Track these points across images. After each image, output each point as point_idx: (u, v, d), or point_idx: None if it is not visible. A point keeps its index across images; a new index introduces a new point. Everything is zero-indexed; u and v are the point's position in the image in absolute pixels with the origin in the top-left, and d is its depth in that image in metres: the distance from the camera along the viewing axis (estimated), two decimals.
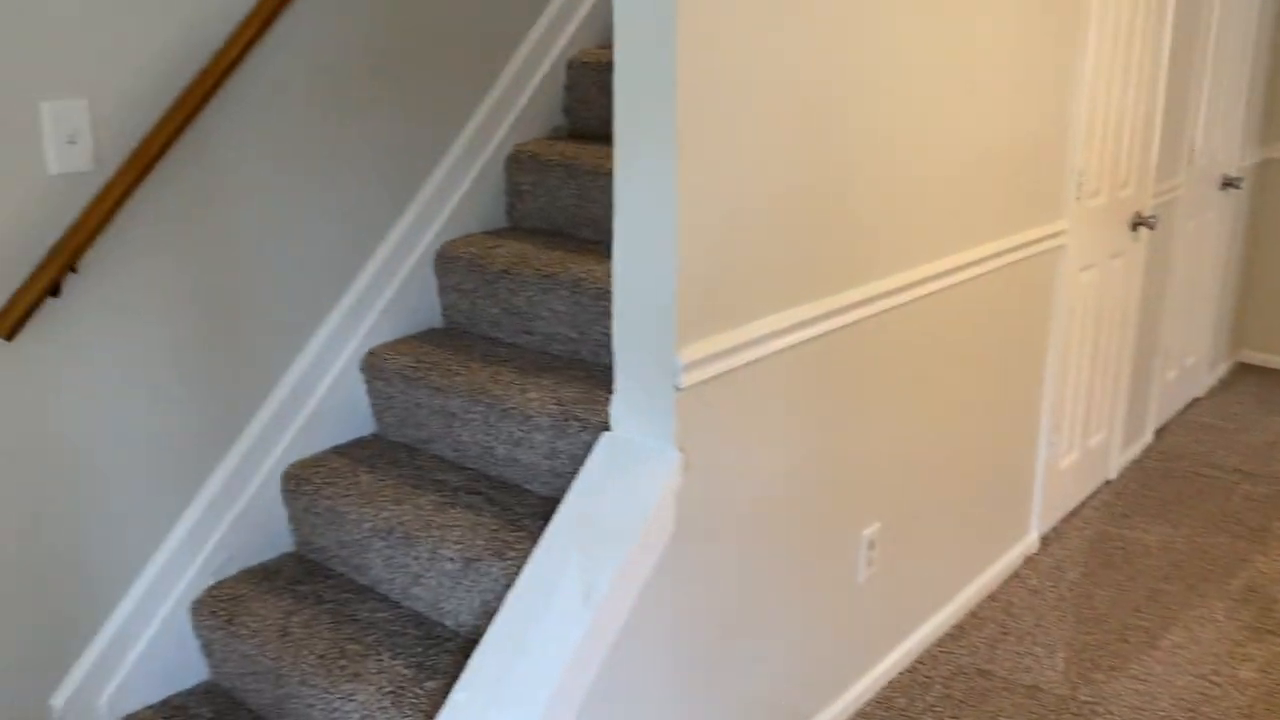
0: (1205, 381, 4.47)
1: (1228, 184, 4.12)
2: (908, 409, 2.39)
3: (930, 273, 2.33)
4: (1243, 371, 4.77)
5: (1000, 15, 2.39)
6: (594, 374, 2.23)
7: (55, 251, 1.82)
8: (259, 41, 2.08)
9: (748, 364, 1.89)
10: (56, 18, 1.79)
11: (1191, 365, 4.26)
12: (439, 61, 2.46)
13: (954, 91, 2.29)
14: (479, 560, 1.95)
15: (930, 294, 2.36)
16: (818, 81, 1.90)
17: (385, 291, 2.44)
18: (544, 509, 2.08)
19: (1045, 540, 3.20)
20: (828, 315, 2.05)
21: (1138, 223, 3.33)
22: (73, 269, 1.86)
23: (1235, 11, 3.87)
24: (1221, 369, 4.68)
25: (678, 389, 1.76)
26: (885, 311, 2.22)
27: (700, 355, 1.77)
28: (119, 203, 1.87)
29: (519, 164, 2.65)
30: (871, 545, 2.36)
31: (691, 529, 1.84)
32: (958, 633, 2.73)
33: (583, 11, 2.81)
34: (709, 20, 1.65)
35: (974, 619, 2.79)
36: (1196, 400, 4.39)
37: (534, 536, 1.98)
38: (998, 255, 2.57)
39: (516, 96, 2.68)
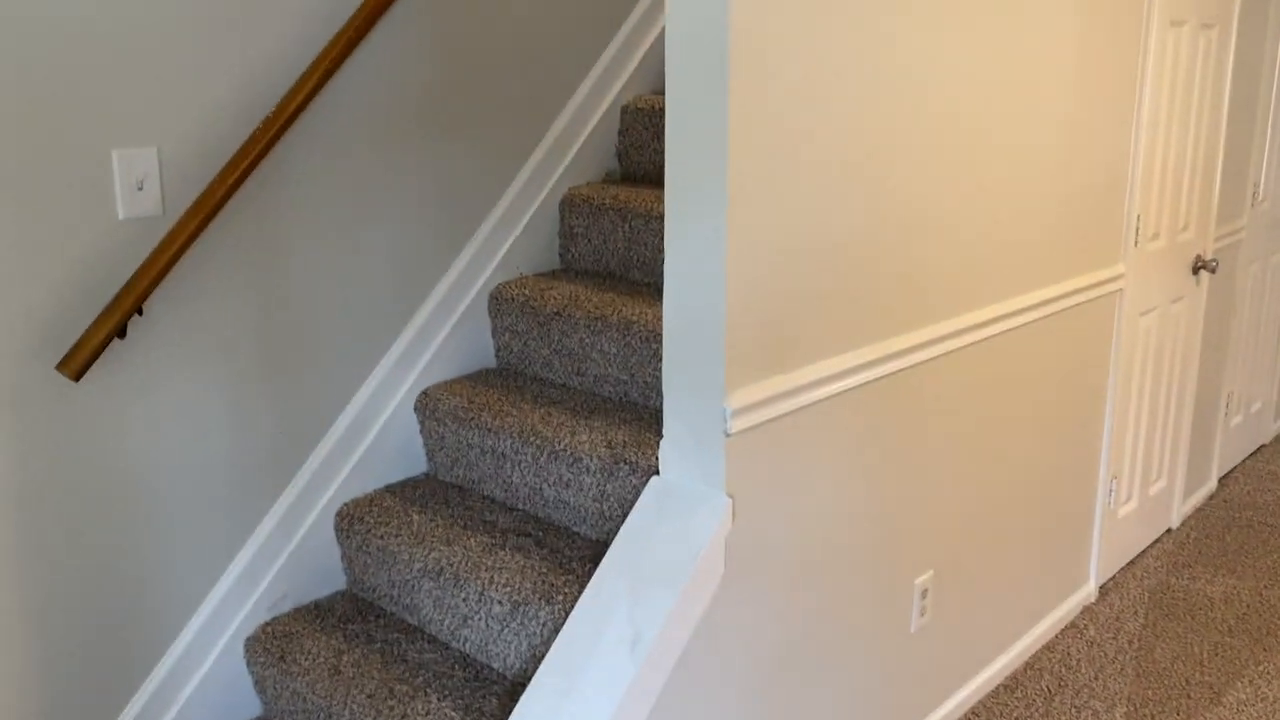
0: (1272, 429, 4.35)
1: None
2: (962, 455, 2.36)
3: (986, 317, 2.31)
4: None
5: (1060, 59, 2.38)
6: (643, 417, 2.23)
7: (122, 295, 1.87)
8: (321, 90, 2.14)
9: (799, 409, 1.88)
10: (129, 68, 1.86)
11: (1257, 411, 4.16)
12: (495, 108, 2.51)
13: (1011, 136, 2.28)
14: (527, 603, 1.95)
15: (986, 339, 2.33)
16: (872, 130, 1.91)
17: (440, 333, 2.47)
18: (592, 552, 2.09)
19: (1104, 590, 3.13)
20: (881, 360, 2.03)
21: (1199, 266, 3.27)
22: (139, 312, 1.92)
23: None
24: None
25: (727, 435, 1.76)
26: (940, 356, 2.20)
27: (750, 401, 1.77)
28: (184, 247, 1.92)
29: (572, 207, 2.68)
30: (924, 594, 2.32)
31: (741, 575, 1.83)
32: (1013, 684, 2.67)
33: (637, 58, 2.85)
34: (761, 71, 1.67)
35: (1030, 670, 2.73)
36: (1262, 447, 4.28)
37: (582, 580, 1.98)
38: (1055, 300, 2.54)
39: (571, 141, 2.72)
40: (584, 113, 2.74)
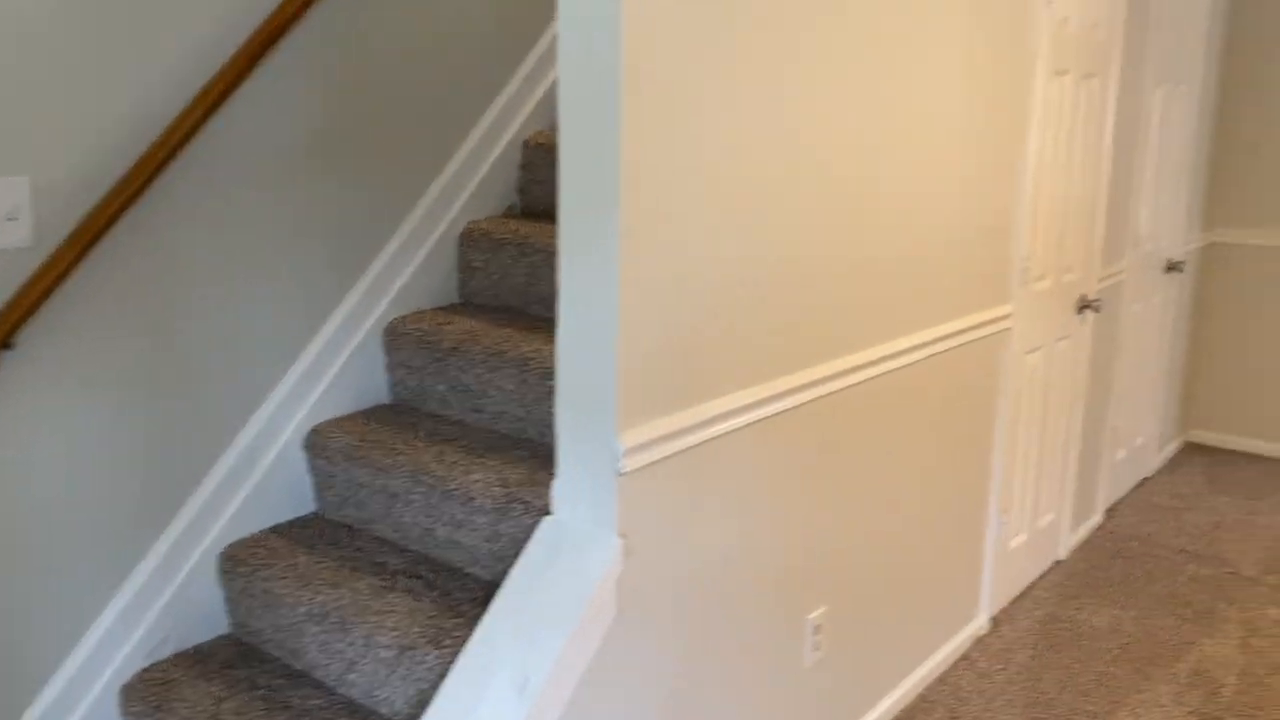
0: (1154, 462, 4.52)
1: (1172, 267, 4.21)
2: (856, 491, 2.39)
3: (879, 355, 2.35)
4: (1191, 451, 4.83)
5: (950, 108, 2.45)
6: (540, 454, 2.22)
7: None
8: (208, 121, 2.09)
9: (693, 447, 1.89)
10: None
11: (1140, 445, 4.32)
12: (391, 140, 2.49)
13: (905, 179, 2.34)
14: (415, 647, 1.91)
15: (878, 376, 2.38)
16: (766, 172, 1.93)
17: (331, 368, 2.42)
18: (485, 594, 2.05)
19: (995, 622, 3.20)
20: (774, 398, 2.06)
21: (1083, 306, 3.40)
22: (8, 345, 1.83)
23: (1176, 102, 4.00)
24: (1170, 448, 4.74)
25: (619, 474, 1.75)
26: (834, 394, 2.24)
27: (643, 439, 1.77)
28: (59, 279, 1.85)
29: (472, 241, 2.66)
30: (818, 629, 2.34)
31: (633, 616, 1.82)
32: (906, 717, 2.70)
33: (539, 93, 2.85)
34: (655, 106, 1.68)
35: (923, 703, 2.77)
36: (1146, 480, 4.44)
37: (472, 623, 1.95)
38: (946, 338, 2.61)
39: (470, 175, 2.70)
40: (484, 147, 2.73)
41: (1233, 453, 4.81)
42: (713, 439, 1.93)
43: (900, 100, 2.29)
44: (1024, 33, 2.75)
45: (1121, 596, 3.37)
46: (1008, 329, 2.95)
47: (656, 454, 1.81)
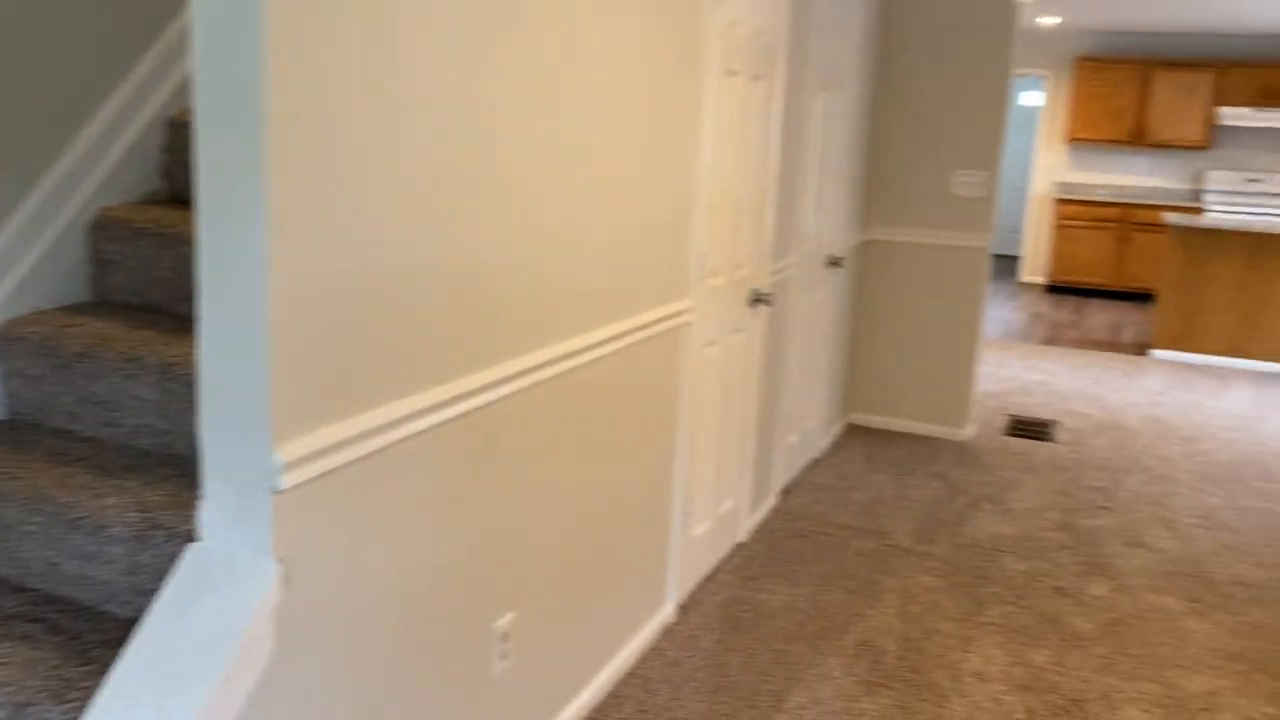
0: (822, 443, 4.84)
1: (833, 263, 4.51)
2: (542, 492, 2.33)
3: (559, 353, 2.30)
4: (853, 432, 5.22)
5: (626, 106, 2.44)
6: (189, 473, 1.97)
7: None
8: None
9: (361, 458, 1.74)
10: None
11: (810, 429, 4.59)
12: None
13: (582, 177, 2.30)
14: (33, 704, 1.63)
15: (561, 374, 2.32)
16: (436, 166, 1.81)
17: None
18: (122, 635, 1.79)
19: (682, 609, 3.26)
20: (452, 401, 1.94)
21: (756, 300, 3.54)
22: None
23: (835, 107, 4.28)
24: (835, 431, 5.10)
25: (276, 491, 1.57)
26: (516, 393, 2.15)
27: (304, 451, 1.60)
28: None
29: (105, 230, 2.34)
30: (505, 637, 2.26)
31: (296, 648, 1.65)
32: (598, 716, 2.68)
33: (185, 67, 2.56)
34: (306, 91, 1.51)
35: (614, 699, 2.76)
36: (815, 461, 4.74)
37: (104, 671, 1.69)
38: (627, 334, 2.60)
39: (102, 155, 2.37)
40: (119, 124, 2.41)
41: (887, 432, 5.24)
42: (385, 448, 1.79)
43: (576, 98, 2.24)
44: (695, 33, 2.80)
45: (796, 575, 3.55)
46: (688, 323, 3.00)
47: (319, 467, 1.64)
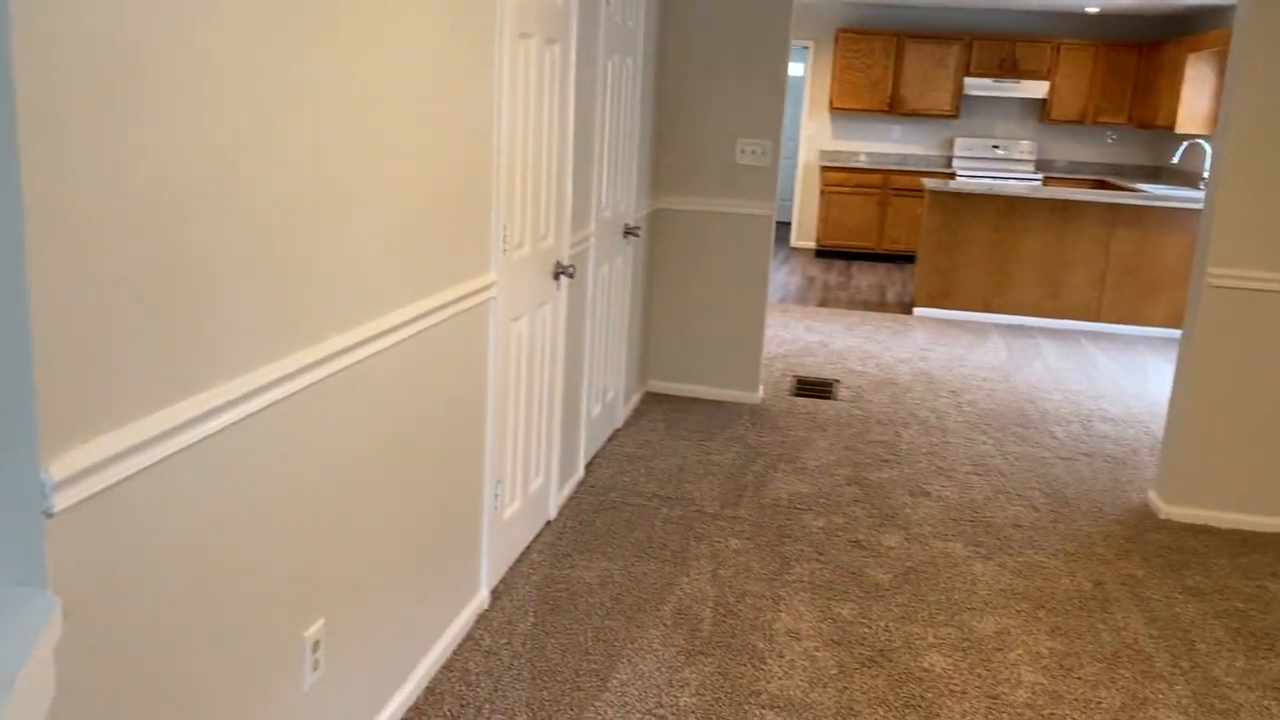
0: (623, 413, 4.83)
1: (629, 232, 4.48)
2: (347, 489, 2.16)
3: (357, 338, 2.13)
4: (651, 400, 5.25)
5: (418, 79, 2.27)
6: None
7: None
8: None
9: (149, 468, 1.53)
10: None
11: (611, 399, 4.57)
12: None
13: (372, 154, 2.12)
14: None
15: (358, 363, 2.16)
16: (205, 138, 1.61)
17: None
18: None
19: (496, 594, 3.16)
20: (245, 397, 1.75)
21: (559, 272, 3.45)
22: None
23: (624, 73, 4.22)
24: (635, 400, 5.10)
25: (49, 514, 1.36)
26: (315, 384, 1.98)
27: (81, 465, 1.39)
28: None
29: None
30: (316, 646, 2.09)
31: (84, 688, 1.44)
32: (416, 716, 2.55)
33: None
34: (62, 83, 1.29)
35: (432, 696, 2.64)
36: (617, 432, 4.72)
37: None
38: (429, 313, 2.46)
39: None
40: None
41: (685, 399, 5.30)
42: (174, 454, 1.59)
43: (358, 63, 2.07)
44: None
45: (609, 548, 3.52)
46: (493, 298, 2.88)
47: (101, 481, 1.43)
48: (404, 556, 2.48)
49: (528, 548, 3.48)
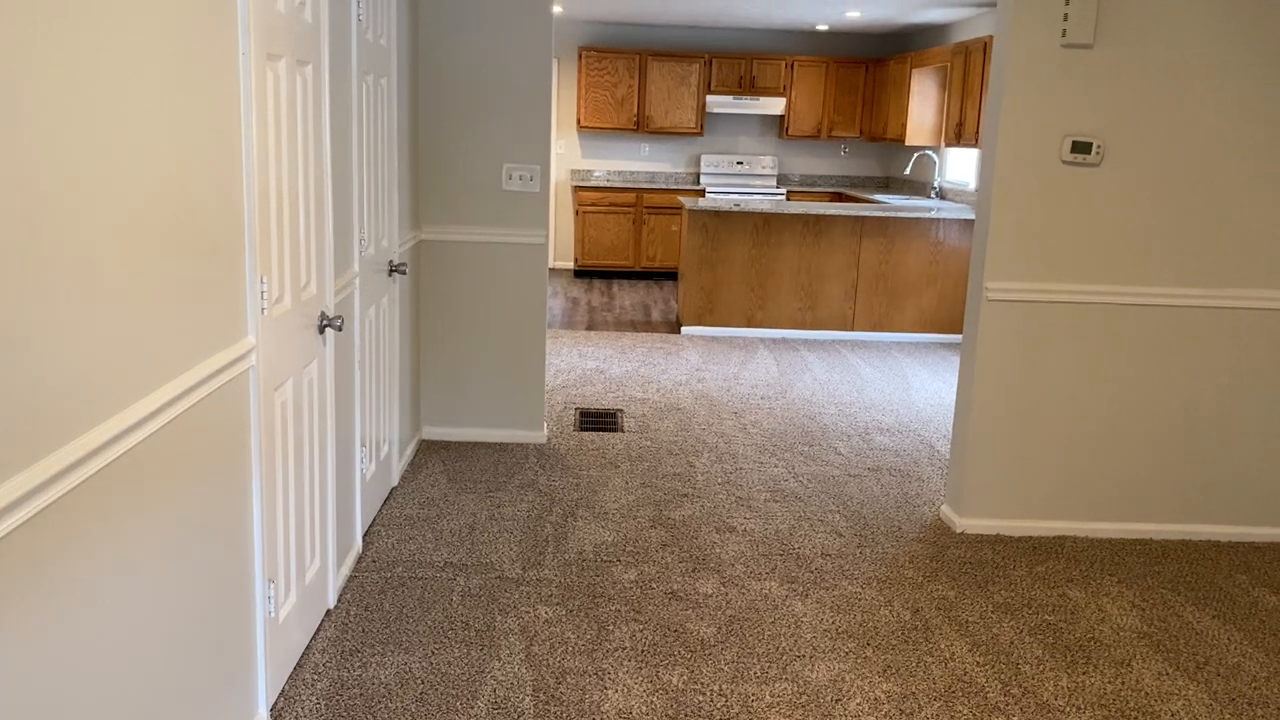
0: (399, 469, 4.37)
1: (394, 270, 4.04)
2: (89, 627, 1.66)
3: (81, 453, 1.64)
4: (428, 449, 4.81)
5: (148, 114, 1.80)
6: None
7: None
8: None
9: None
10: None
11: (386, 455, 4.11)
12: None
13: (81, 203, 1.64)
14: None
15: (92, 476, 1.66)
16: None
17: None
18: None
19: (277, 714, 2.66)
20: None
21: (325, 324, 2.99)
22: None
23: (380, 95, 3.80)
24: (410, 451, 4.65)
25: None
26: (48, 508, 1.48)
27: None
28: None
29: None
30: None
31: None
32: None
33: None
34: None
35: None
36: (395, 490, 4.26)
37: None
38: (172, 403, 1.97)
39: None
40: None
41: (465, 444, 4.90)
42: None
43: (64, 93, 1.59)
44: (228, 8, 2.20)
45: (402, 636, 3.09)
46: (252, 367, 2.40)
47: None
48: (162, 693, 1.98)
49: (308, 648, 2.99)
